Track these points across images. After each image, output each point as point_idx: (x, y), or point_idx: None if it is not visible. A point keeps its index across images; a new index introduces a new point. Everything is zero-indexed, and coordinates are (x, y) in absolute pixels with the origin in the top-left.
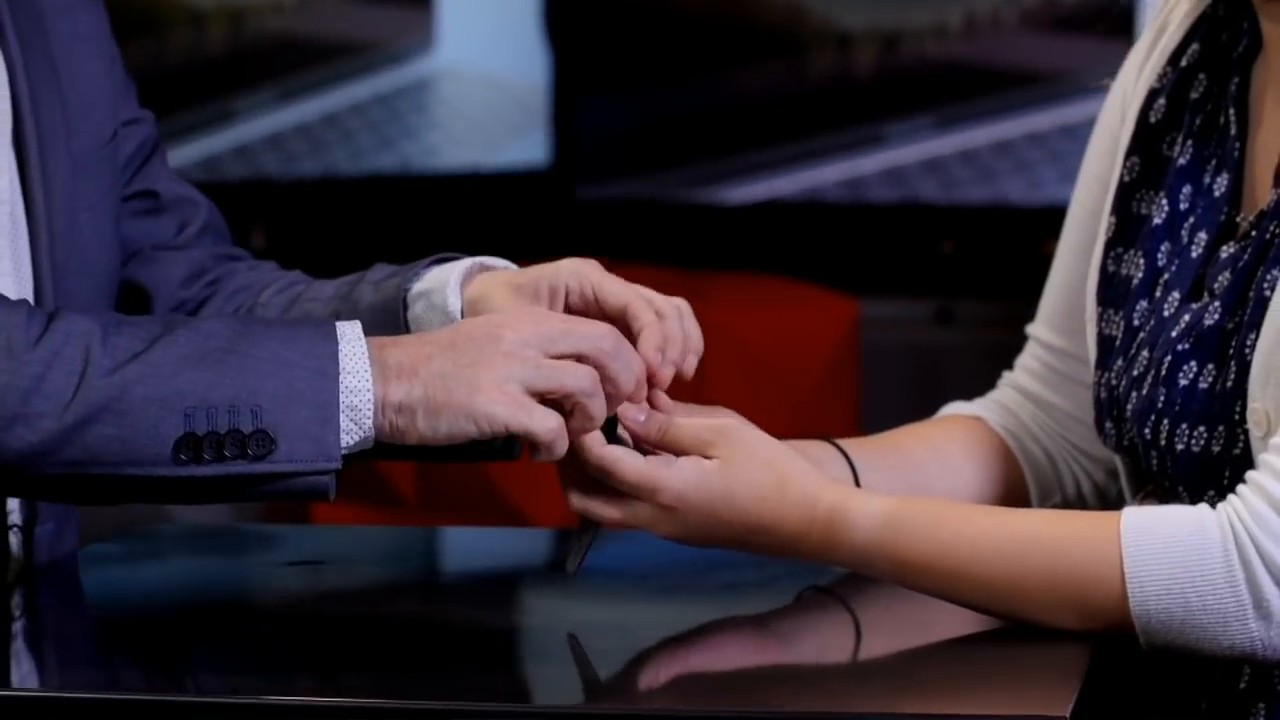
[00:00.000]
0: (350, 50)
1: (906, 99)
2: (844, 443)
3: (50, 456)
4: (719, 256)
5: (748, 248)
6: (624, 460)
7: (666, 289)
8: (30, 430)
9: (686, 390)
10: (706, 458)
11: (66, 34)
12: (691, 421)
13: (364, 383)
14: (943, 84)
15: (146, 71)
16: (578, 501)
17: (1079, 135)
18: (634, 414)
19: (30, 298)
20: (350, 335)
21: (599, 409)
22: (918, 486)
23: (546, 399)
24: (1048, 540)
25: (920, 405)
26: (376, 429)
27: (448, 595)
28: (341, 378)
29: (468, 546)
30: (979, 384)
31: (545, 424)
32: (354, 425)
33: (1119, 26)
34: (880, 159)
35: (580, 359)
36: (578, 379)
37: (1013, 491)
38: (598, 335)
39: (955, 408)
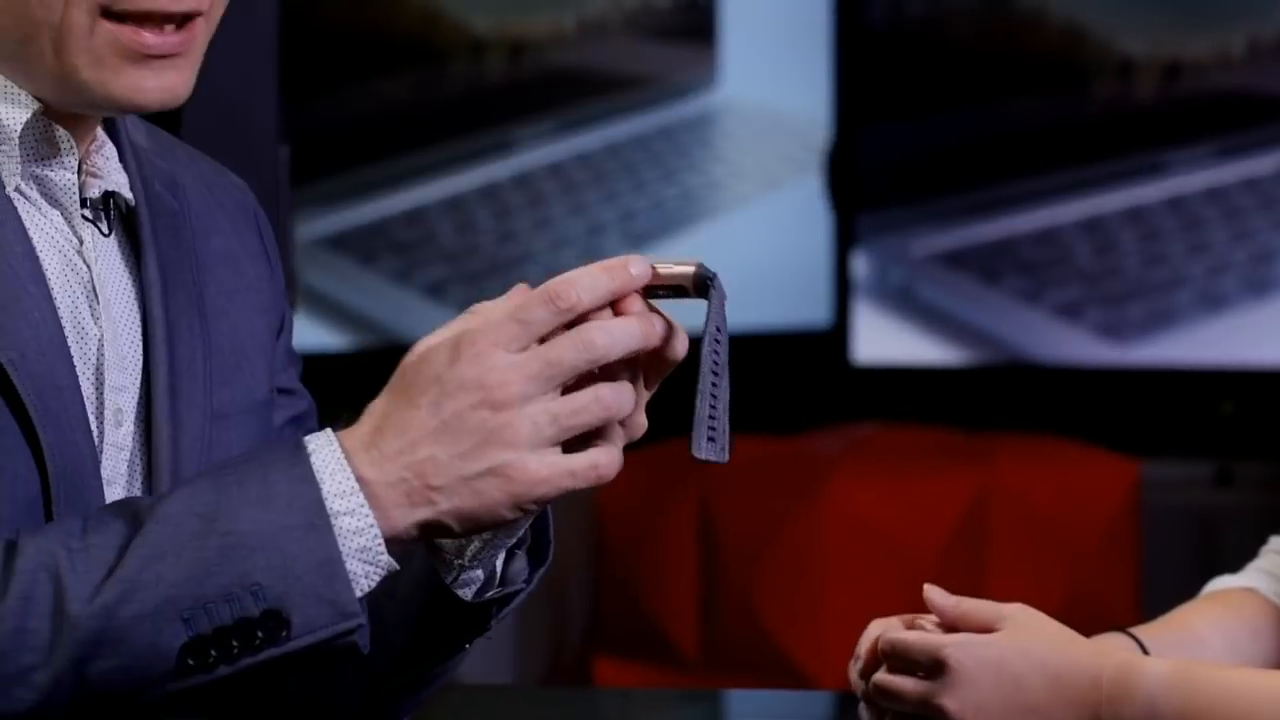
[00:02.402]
0: (632, 84)
1: (1188, 126)
2: (1134, 630)
3: (57, 706)
4: (997, 418)
5: (1026, 409)
6: (915, 635)
7: (946, 452)
8: (28, 689)
9: (968, 552)
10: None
11: (229, 284)
12: (983, 601)
13: (365, 521)
14: (1226, 111)
15: (425, 98)
16: (877, 677)
17: None
18: (939, 597)
19: None
20: (331, 465)
21: (627, 405)
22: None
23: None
24: None
25: (1201, 566)
26: (399, 553)
27: None
28: (335, 521)
29: (748, 711)
30: (1260, 545)
31: (589, 474)
32: (369, 566)
33: None
34: (1162, 187)
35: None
36: (602, 406)
37: None
38: (575, 343)
39: (1222, 582)
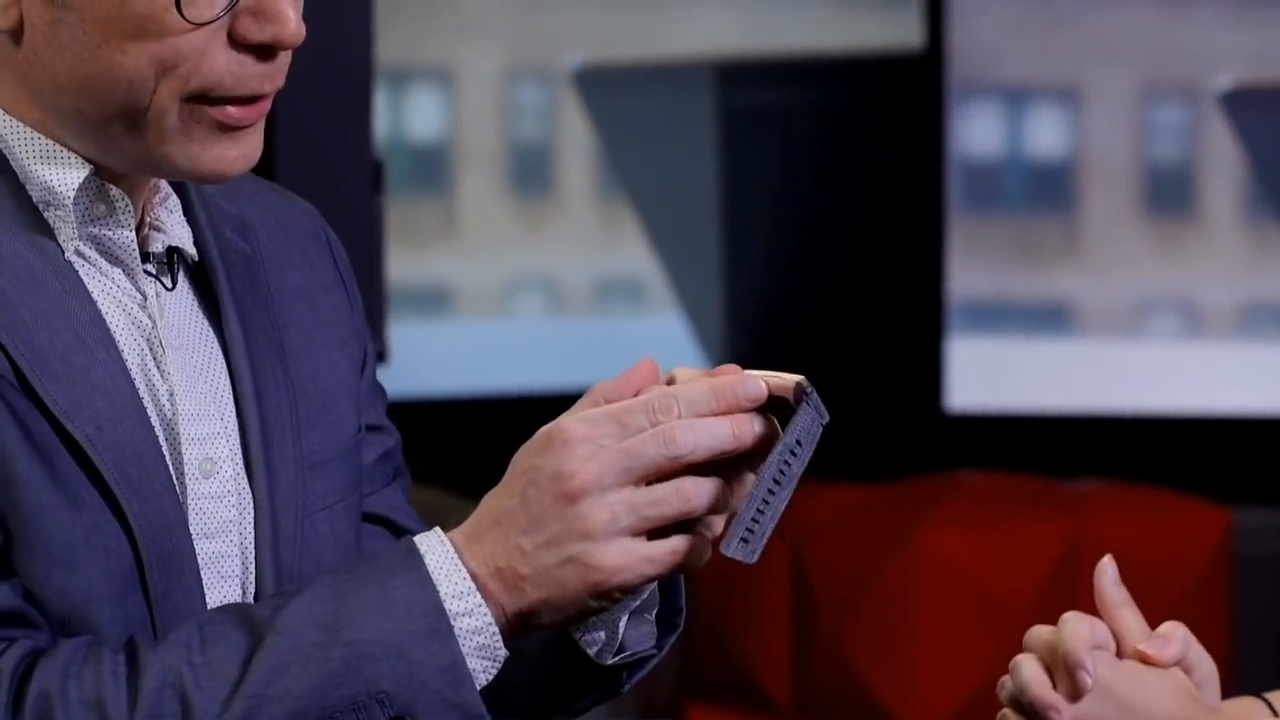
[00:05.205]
0: None
1: None
2: (1269, 695)
3: None
4: (1088, 465)
5: (1116, 457)
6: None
7: (1036, 498)
8: None
9: (1060, 600)
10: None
11: (307, 322)
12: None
13: (483, 620)
14: None
15: None
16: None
17: None
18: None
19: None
20: (445, 565)
21: (710, 500)
22: None
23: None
24: None
25: None
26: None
27: None
28: (455, 623)
29: None
30: None
31: (669, 560)
32: (488, 662)
33: None
34: None
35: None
36: (683, 499)
37: None
38: (656, 437)
39: None
